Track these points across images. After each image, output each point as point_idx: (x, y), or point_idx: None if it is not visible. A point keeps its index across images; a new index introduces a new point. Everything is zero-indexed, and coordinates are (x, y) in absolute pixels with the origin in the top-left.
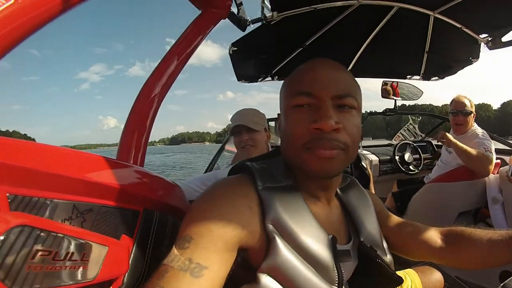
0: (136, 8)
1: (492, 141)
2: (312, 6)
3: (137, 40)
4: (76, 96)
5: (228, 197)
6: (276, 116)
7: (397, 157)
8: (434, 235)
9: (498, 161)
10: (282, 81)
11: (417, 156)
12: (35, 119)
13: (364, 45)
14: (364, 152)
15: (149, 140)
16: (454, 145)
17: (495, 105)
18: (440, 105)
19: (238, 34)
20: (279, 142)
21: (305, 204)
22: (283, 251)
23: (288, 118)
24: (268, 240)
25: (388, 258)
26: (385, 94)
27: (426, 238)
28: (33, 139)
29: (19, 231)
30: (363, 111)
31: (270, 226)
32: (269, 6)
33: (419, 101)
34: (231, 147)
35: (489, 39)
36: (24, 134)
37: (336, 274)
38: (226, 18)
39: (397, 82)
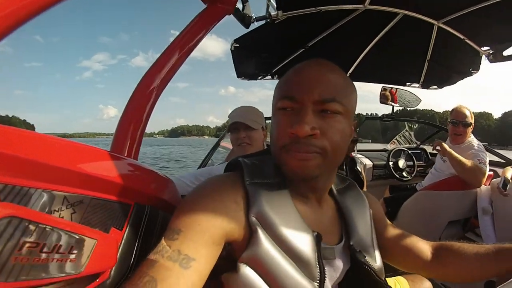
0: None
1: (487, 153)
2: (318, 8)
3: (142, 31)
4: (78, 84)
5: (216, 192)
6: None
7: (391, 163)
8: (426, 249)
9: (491, 173)
10: None
11: (411, 163)
12: (35, 105)
13: (367, 49)
14: (359, 156)
15: (149, 132)
16: (449, 155)
17: (496, 114)
18: (441, 111)
19: (242, 30)
20: None
21: (291, 201)
22: (263, 243)
23: (274, 119)
24: (251, 232)
25: (378, 265)
26: (383, 99)
27: (419, 252)
28: (32, 125)
29: (7, 222)
30: (363, 113)
31: (253, 219)
32: (275, 5)
33: (420, 106)
34: (226, 143)
35: (491, 52)
36: (24, 119)
37: (318, 271)
38: (231, 14)
39: (396, 88)
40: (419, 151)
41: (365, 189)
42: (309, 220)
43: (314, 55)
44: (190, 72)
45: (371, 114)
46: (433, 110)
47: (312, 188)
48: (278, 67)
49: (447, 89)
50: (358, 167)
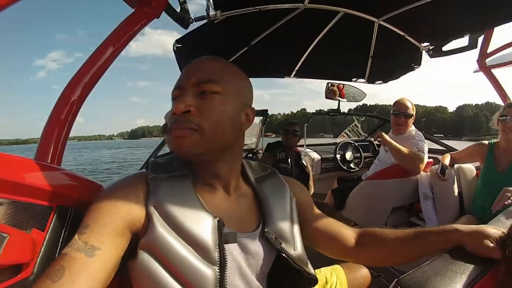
0: None
1: (426, 141)
2: (257, 7)
3: (100, 28)
4: (33, 85)
5: (120, 189)
6: None
7: (338, 156)
8: (350, 236)
9: (431, 160)
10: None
11: (358, 154)
12: None
13: (311, 47)
14: (308, 150)
15: (108, 134)
16: (389, 144)
17: (451, 108)
18: None
19: None
20: None
21: (192, 190)
22: (158, 228)
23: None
24: (149, 220)
25: (297, 252)
26: (330, 95)
27: (343, 239)
28: None
29: None
30: (313, 110)
31: (151, 208)
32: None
33: (380, 101)
34: None
35: (431, 47)
36: None
37: (218, 255)
38: (167, 16)
39: (343, 84)
40: (367, 143)
41: (311, 182)
42: (213, 208)
43: (258, 53)
44: (150, 70)
45: (314, 111)
46: (391, 105)
47: (213, 174)
48: None
49: (406, 85)
50: (303, 161)
